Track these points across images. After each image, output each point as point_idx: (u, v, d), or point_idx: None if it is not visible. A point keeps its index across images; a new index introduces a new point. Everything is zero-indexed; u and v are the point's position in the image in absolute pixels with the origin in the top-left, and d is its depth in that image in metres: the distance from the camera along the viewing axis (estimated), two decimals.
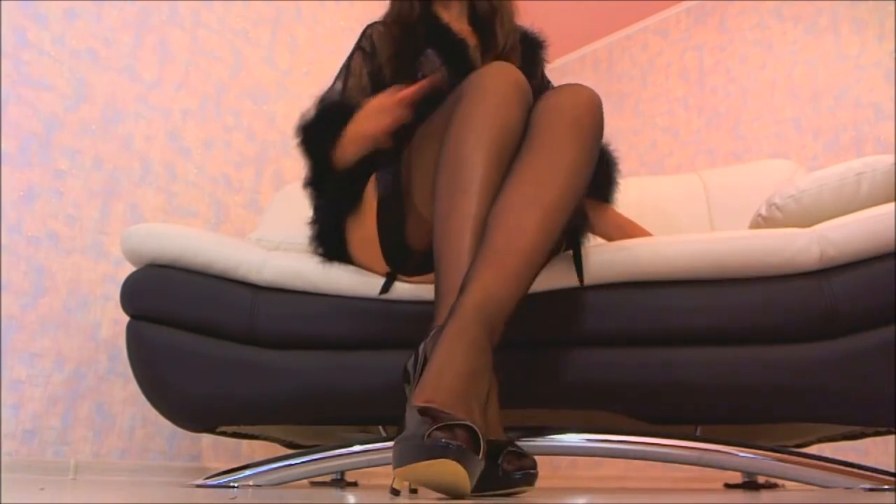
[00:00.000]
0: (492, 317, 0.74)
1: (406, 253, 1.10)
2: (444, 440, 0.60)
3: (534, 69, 1.32)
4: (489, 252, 0.79)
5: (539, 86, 1.32)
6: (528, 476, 0.75)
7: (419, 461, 0.61)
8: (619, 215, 1.27)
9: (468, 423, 0.62)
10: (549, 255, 0.82)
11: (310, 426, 1.34)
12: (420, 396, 0.67)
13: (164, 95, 1.94)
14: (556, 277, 1.06)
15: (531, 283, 0.81)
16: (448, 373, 0.69)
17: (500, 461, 0.73)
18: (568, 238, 1.21)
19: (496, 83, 0.91)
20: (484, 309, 0.74)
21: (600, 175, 1.24)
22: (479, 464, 0.63)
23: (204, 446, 1.83)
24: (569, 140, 0.88)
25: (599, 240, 1.27)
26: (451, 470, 0.61)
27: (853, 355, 0.95)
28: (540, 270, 0.83)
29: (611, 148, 1.26)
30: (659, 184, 1.73)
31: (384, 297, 1.10)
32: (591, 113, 0.91)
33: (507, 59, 1.24)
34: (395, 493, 0.71)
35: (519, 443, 1.05)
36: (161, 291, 1.17)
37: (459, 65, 1.19)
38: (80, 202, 1.69)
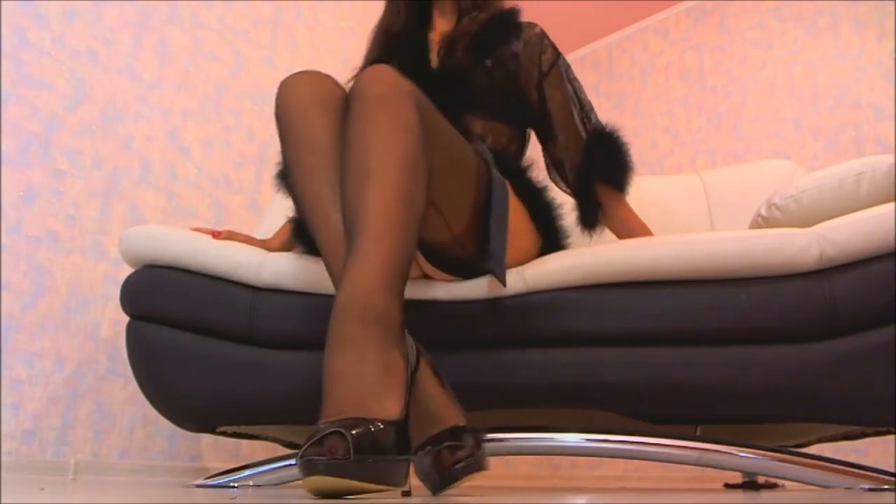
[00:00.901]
0: (363, 305, 0.72)
1: None
2: (310, 457, 0.60)
3: (524, 48, 1.27)
4: (349, 244, 0.78)
5: (539, 68, 1.28)
6: (469, 465, 0.74)
7: (303, 477, 0.61)
8: (631, 212, 1.26)
9: (339, 429, 0.61)
10: (416, 217, 0.80)
11: (309, 426, 1.34)
12: (320, 418, 0.66)
13: (164, 95, 1.94)
14: (556, 277, 1.06)
15: (401, 253, 0.77)
16: (332, 381, 0.68)
17: (432, 462, 0.73)
18: (545, 234, 1.19)
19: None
20: (352, 302, 0.72)
21: (609, 161, 1.24)
22: (363, 461, 0.61)
23: (204, 446, 1.83)
24: (363, 108, 0.85)
25: (610, 235, 1.28)
26: (329, 484, 0.60)
27: (853, 355, 0.95)
28: (407, 236, 0.79)
29: (618, 134, 1.25)
30: (659, 184, 1.73)
31: None
32: (375, 80, 0.87)
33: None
34: (407, 493, 0.71)
35: (519, 443, 1.06)
36: (161, 292, 1.17)
37: (416, 69, 1.18)
38: (80, 202, 1.69)
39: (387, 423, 0.65)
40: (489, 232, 1.02)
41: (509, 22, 1.29)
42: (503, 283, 1.01)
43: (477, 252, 1.06)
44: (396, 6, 1.35)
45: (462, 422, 0.80)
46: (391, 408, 0.68)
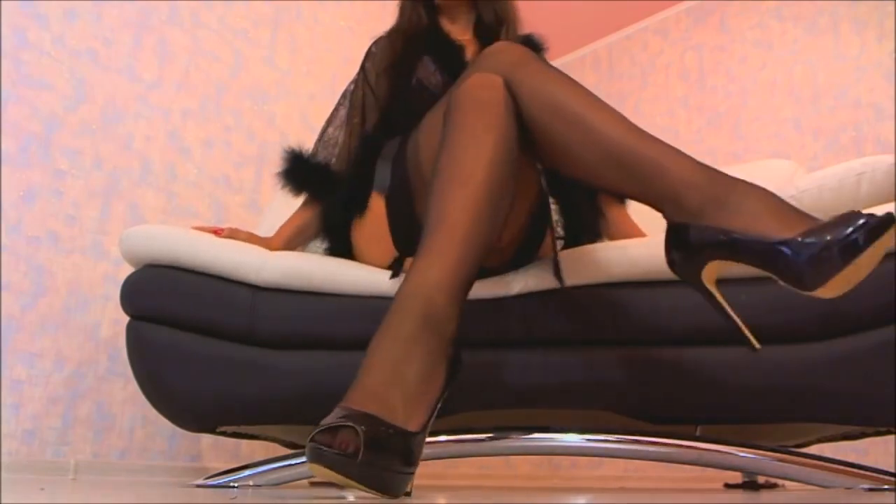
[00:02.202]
0: (427, 300, 0.72)
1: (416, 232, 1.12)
2: (319, 444, 0.61)
3: None
4: (424, 238, 0.78)
5: None
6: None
7: (308, 461, 0.62)
8: (631, 223, 1.27)
9: (357, 427, 0.61)
10: (492, 228, 0.81)
11: (310, 426, 1.34)
12: (347, 397, 0.66)
13: (164, 95, 1.94)
14: (554, 277, 1.06)
15: (474, 260, 0.78)
16: (370, 368, 0.68)
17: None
18: (571, 236, 1.21)
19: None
20: (418, 294, 0.72)
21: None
22: (368, 465, 0.61)
23: (204, 446, 1.83)
24: (465, 113, 0.86)
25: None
26: (330, 476, 0.61)
27: (853, 355, 0.95)
28: (484, 245, 0.80)
29: None
30: None
31: (384, 295, 1.10)
32: (483, 86, 0.88)
33: None
34: (407, 494, 0.71)
35: (519, 443, 1.06)
36: (161, 292, 1.17)
37: (456, 70, 1.21)
38: (80, 202, 1.69)
39: (403, 433, 0.65)
40: (535, 240, 1.05)
41: (538, 48, 1.35)
42: (562, 283, 1.03)
43: (509, 260, 1.08)
44: (414, 9, 1.35)
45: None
46: (414, 419, 0.67)
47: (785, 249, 0.68)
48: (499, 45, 0.96)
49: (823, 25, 2.55)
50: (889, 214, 0.67)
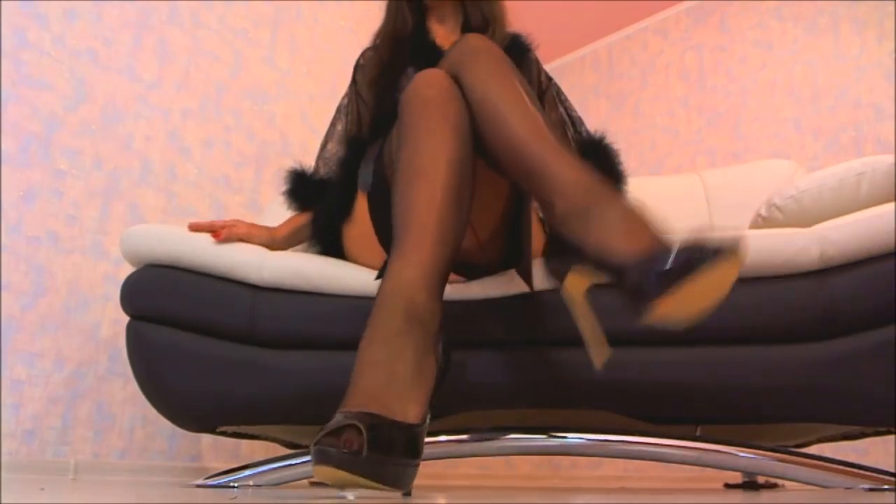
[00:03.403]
0: (408, 299, 0.73)
1: None
2: (324, 446, 0.62)
3: (525, 73, 1.33)
4: (395, 241, 0.80)
5: (539, 88, 1.32)
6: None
7: (314, 465, 0.63)
8: None
9: (359, 425, 0.62)
10: (459, 219, 0.82)
11: (310, 426, 1.34)
12: (345, 402, 0.68)
13: (164, 95, 1.94)
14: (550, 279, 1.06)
15: (445, 253, 0.79)
16: (363, 370, 0.70)
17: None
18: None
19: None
20: (397, 293, 0.74)
21: (600, 168, 1.25)
22: (374, 460, 0.62)
23: (204, 446, 1.83)
24: (413, 112, 0.88)
25: None
26: (338, 476, 0.62)
27: (853, 355, 0.95)
28: (453, 237, 0.81)
29: (607, 141, 1.27)
30: (659, 184, 1.73)
31: None
32: (427, 84, 0.90)
33: None
34: (407, 494, 0.71)
35: (519, 443, 1.06)
36: (161, 291, 1.17)
37: None
38: (80, 202, 1.69)
39: (404, 426, 0.67)
40: (519, 239, 1.05)
41: (524, 48, 1.35)
42: (531, 287, 1.03)
43: (497, 258, 1.08)
44: (399, 10, 1.36)
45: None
46: (412, 411, 0.69)
47: (625, 269, 0.69)
48: (460, 41, 0.98)
49: (823, 25, 2.55)
50: (732, 242, 0.65)
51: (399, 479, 0.66)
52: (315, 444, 0.63)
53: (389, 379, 0.69)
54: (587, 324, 0.82)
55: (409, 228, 0.78)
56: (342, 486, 0.64)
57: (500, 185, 1.02)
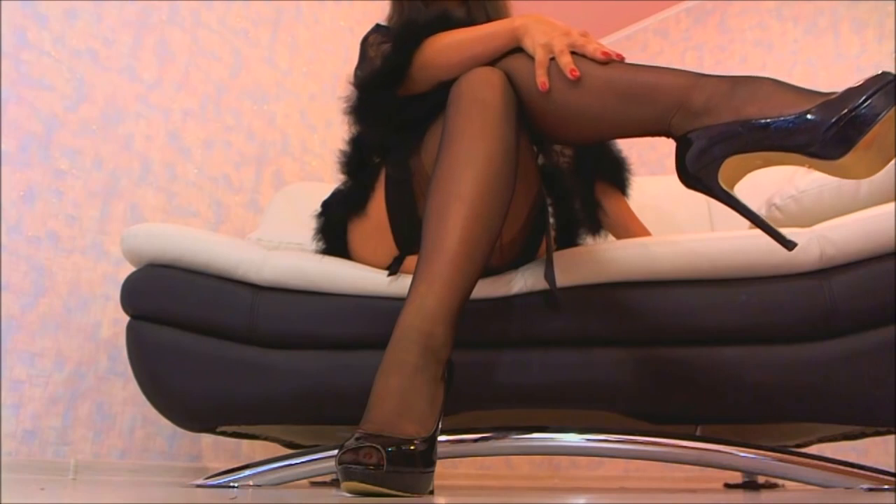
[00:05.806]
0: (427, 333, 0.75)
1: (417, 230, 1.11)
2: (347, 464, 0.65)
3: None
4: (421, 261, 0.79)
5: None
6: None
7: (342, 482, 0.66)
8: (631, 214, 1.27)
9: (376, 446, 0.65)
10: (488, 246, 0.81)
11: (310, 426, 1.34)
12: (362, 425, 0.71)
13: (164, 95, 1.94)
14: (557, 277, 1.06)
15: (469, 282, 0.80)
16: (380, 400, 0.72)
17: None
18: (568, 233, 1.21)
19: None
20: (418, 328, 0.75)
21: (599, 159, 1.25)
22: (395, 473, 0.65)
23: (204, 446, 1.83)
24: (464, 115, 0.85)
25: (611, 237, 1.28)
26: (365, 489, 0.65)
27: (853, 355, 0.95)
28: (480, 265, 0.81)
29: (618, 148, 1.27)
30: (659, 184, 1.73)
31: (385, 295, 1.10)
32: (484, 83, 0.87)
33: None
34: (430, 492, 0.75)
35: (519, 443, 1.06)
36: (161, 291, 1.17)
37: None
38: (80, 202, 1.69)
39: (419, 440, 0.70)
40: (537, 242, 1.05)
41: None
42: (554, 289, 1.02)
43: (511, 260, 1.08)
44: (404, 9, 1.32)
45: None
46: (425, 429, 0.72)
47: (808, 117, 0.67)
48: None
49: (823, 25, 2.55)
50: None
51: (419, 487, 0.69)
52: (338, 463, 0.66)
53: (404, 410, 0.72)
54: (756, 212, 0.79)
55: (437, 253, 0.78)
56: (368, 495, 0.67)
57: (530, 188, 1.01)
